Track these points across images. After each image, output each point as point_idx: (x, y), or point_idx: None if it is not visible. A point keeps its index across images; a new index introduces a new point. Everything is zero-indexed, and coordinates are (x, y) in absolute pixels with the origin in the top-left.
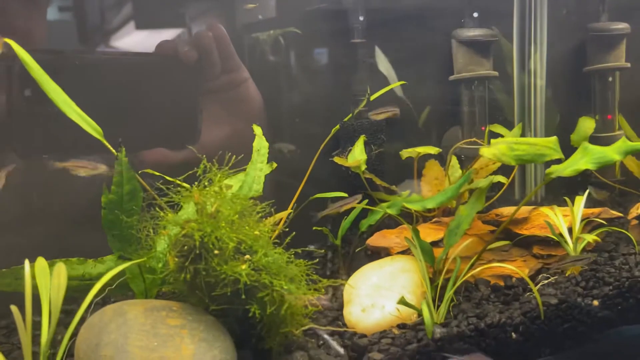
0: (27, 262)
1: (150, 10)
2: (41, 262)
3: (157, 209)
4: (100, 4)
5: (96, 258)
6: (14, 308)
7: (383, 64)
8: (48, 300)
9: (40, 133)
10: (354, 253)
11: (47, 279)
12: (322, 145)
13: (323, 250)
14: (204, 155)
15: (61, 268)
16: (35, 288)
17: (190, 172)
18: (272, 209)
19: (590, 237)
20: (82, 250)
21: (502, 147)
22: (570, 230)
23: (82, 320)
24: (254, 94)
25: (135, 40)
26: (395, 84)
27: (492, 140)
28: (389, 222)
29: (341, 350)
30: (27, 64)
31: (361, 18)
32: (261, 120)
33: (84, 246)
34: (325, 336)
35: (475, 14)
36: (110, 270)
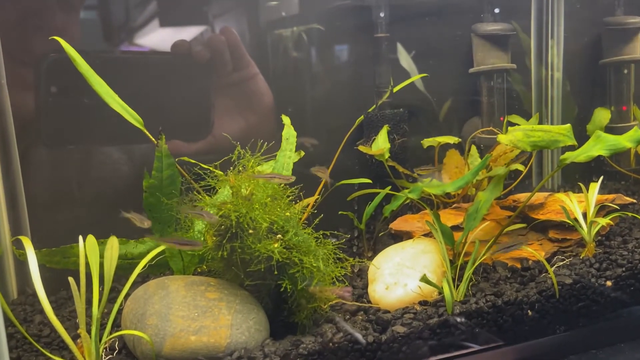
0: (81, 239)
1: (174, 9)
2: (91, 239)
3: (194, 192)
4: (124, 3)
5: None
6: (71, 280)
7: (405, 59)
8: (98, 274)
9: (66, 125)
10: (377, 237)
11: (97, 255)
12: (347, 135)
13: (348, 235)
14: (218, 147)
15: (114, 241)
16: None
17: (225, 158)
18: (301, 193)
19: (604, 221)
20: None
21: (518, 134)
22: (584, 215)
23: (126, 295)
24: (263, 88)
25: (156, 39)
26: (417, 77)
27: (509, 128)
28: (411, 209)
29: (350, 329)
30: (74, 59)
31: (382, 14)
32: (270, 113)
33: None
34: (341, 322)
35: (496, 10)
36: (150, 250)
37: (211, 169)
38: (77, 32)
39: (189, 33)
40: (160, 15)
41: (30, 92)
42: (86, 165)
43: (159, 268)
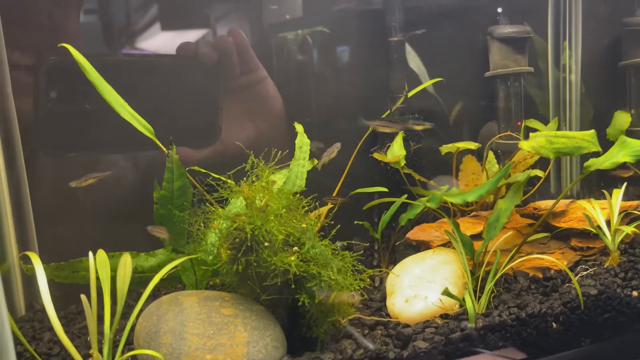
0: (91, 255)
1: (176, 12)
2: (102, 254)
3: (207, 204)
4: (125, 6)
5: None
6: (83, 297)
7: (414, 60)
8: (109, 290)
9: (68, 133)
10: (394, 246)
11: (108, 270)
12: (361, 141)
13: (367, 244)
14: (227, 152)
15: (127, 259)
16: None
17: (238, 167)
18: (317, 203)
19: (629, 229)
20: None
21: (540, 140)
22: (608, 222)
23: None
24: (272, 92)
25: (160, 41)
26: (431, 82)
27: (530, 134)
28: (426, 218)
29: (371, 345)
30: (83, 67)
31: (396, 20)
32: (280, 118)
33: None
34: (355, 334)
35: (508, 11)
36: (162, 262)
37: (223, 179)
38: (78, 35)
39: (192, 36)
40: (162, 18)
41: (32, 98)
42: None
43: (171, 282)
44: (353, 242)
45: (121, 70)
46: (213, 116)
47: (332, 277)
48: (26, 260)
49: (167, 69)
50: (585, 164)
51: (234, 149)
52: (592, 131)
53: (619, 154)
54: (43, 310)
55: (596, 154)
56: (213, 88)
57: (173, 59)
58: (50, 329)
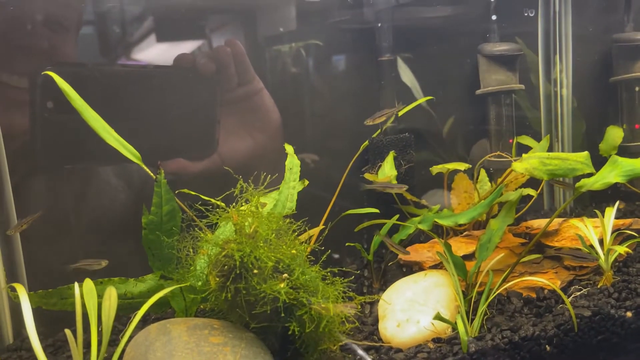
0: (76, 285)
1: (171, 24)
2: (88, 283)
3: (195, 229)
4: (121, 17)
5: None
6: (67, 332)
7: (407, 75)
8: (96, 320)
9: (63, 145)
10: (386, 267)
11: (95, 299)
12: (352, 161)
13: (358, 272)
14: (224, 165)
15: (112, 291)
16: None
17: (227, 192)
18: (307, 227)
19: (622, 249)
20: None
21: (533, 161)
22: (601, 241)
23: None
24: (268, 104)
25: (156, 52)
26: (423, 99)
27: (523, 155)
28: (418, 237)
29: None
30: (67, 94)
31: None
32: (277, 130)
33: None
34: (360, 351)
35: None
36: (151, 288)
37: (213, 201)
38: (73, 50)
39: (189, 47)
40: (157, 30)
41: (19, 112)
42: (83, 190)
43: (161, 307)
44: (344, 269)
45: (118, 81)
46: (210, 128)
47: (323, 305)
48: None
49: (164, 79)
50: (577, 184)
51: (231, 161)
52: (586, 153)
53: (610, 174)
54: None
55: (590, 174)
56: (210, 99)
57: (171, 70)
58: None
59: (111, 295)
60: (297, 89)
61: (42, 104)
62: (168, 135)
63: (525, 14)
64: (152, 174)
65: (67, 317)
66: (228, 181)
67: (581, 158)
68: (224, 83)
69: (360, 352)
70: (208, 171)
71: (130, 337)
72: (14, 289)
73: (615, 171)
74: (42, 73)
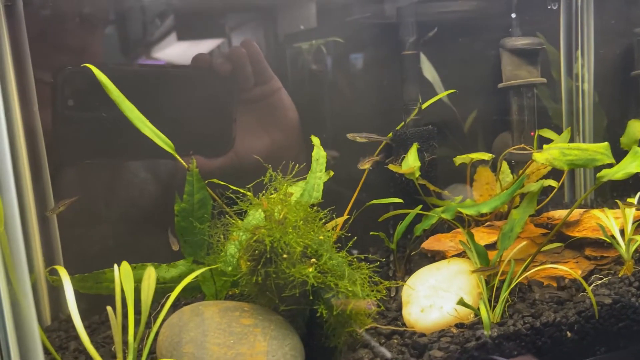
0: (116, 267)
1: (192, 23)
2: (126, 266)
3: (226, 216)
4: (142, 17)
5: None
6: (109, 309)
7: (428, 70)
8: (133, 302)
9: (84, 140)
10: (409, 256)
11: (132, 281)
12: (376, 153)
13: (383, 259)
14: (240, 163)
15: (151, 271)
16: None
17: (257, 180)
18: (334, 215)
19: None
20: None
21: (554, 152)
22: (622, 231)
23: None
24: (286, 103)
25: (175, 52)
26: (443, 94)
27: (544, 146)
28: (440, 227)
29: (387, 354)
30: (106, 86)
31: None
32: (295, 128)
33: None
34: (373, 343)
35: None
36: (182, 273)
37: (242, 191)
38: (100, 49)
39: (208, 46)
40: (177, 29)
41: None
42: (114, 182)
43: (192, 291)
44: (369, 256)
45: (137, 80)
46: (226, 126)
47: (349, 289)
48: (52, 271)
49: (182, 79)
50: (598, 174)
51: (248, 160)
52: (606, 143)
53: (631, 165)
54: (68, 320)
55: (609, 165)
56: (227, 98)
57: (188, 70)
58: (76, 338)
59: (150, 276)
60: (318, 85)
61: (64, 102)
62: (185, 133)
63: (549, 7)
64: (184, 164)
65: (99, 304)
66: (244, 178)
67: (601, 149)
68: (241, 83)
69: (381, 348)
70: (224, 168)
71: (164, 320)
72: (52, 273)
73: (637, 162)
74: (81, 66)
